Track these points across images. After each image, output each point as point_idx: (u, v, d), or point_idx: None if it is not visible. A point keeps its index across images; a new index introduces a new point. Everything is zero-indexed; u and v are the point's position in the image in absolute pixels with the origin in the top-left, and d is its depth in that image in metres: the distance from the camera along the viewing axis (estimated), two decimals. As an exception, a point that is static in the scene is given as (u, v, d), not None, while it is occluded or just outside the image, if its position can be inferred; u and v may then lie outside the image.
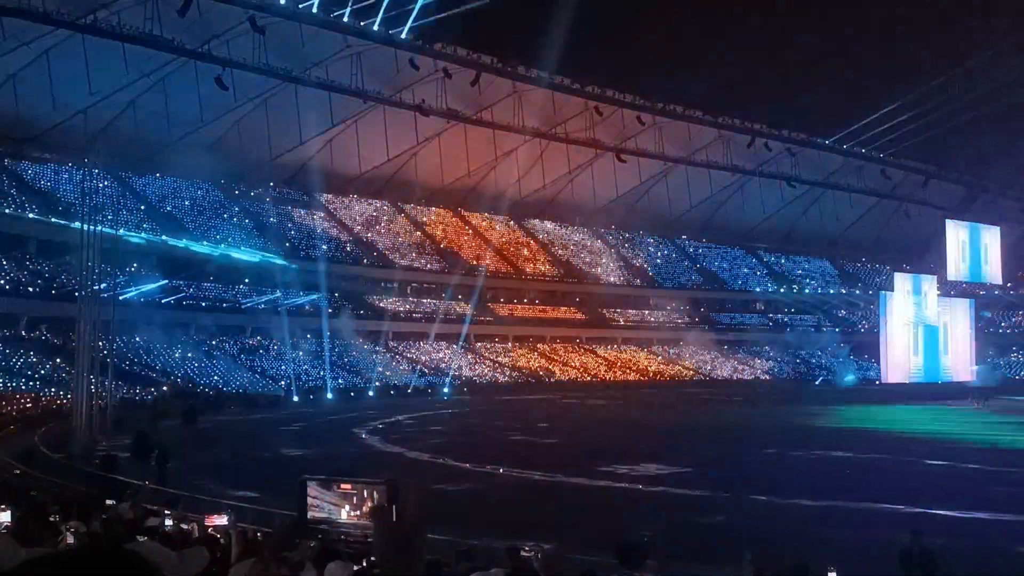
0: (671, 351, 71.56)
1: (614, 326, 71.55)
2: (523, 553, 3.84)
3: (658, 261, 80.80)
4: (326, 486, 1.52)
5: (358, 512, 1.51)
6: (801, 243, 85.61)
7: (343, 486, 1.49)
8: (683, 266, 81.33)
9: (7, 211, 46.44)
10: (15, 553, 2.78)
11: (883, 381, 69.71)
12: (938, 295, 73.39)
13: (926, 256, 79.00)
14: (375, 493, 1.50)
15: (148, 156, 54.91)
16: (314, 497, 1.60)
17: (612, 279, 75.25)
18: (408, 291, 64.43)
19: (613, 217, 78.87)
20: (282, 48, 52.70)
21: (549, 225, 77.85)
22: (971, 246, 78.32)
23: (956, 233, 77.99)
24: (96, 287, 30.20)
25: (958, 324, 73.72)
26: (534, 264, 73.02)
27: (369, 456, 26.32)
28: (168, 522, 9.44)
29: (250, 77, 53.26)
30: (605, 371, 66.71)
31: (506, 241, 73.63)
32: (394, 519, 1.48)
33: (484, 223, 74.17)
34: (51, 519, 9.12)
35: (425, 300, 64.65)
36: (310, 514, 1.69)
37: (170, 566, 2.43)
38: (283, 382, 50.20)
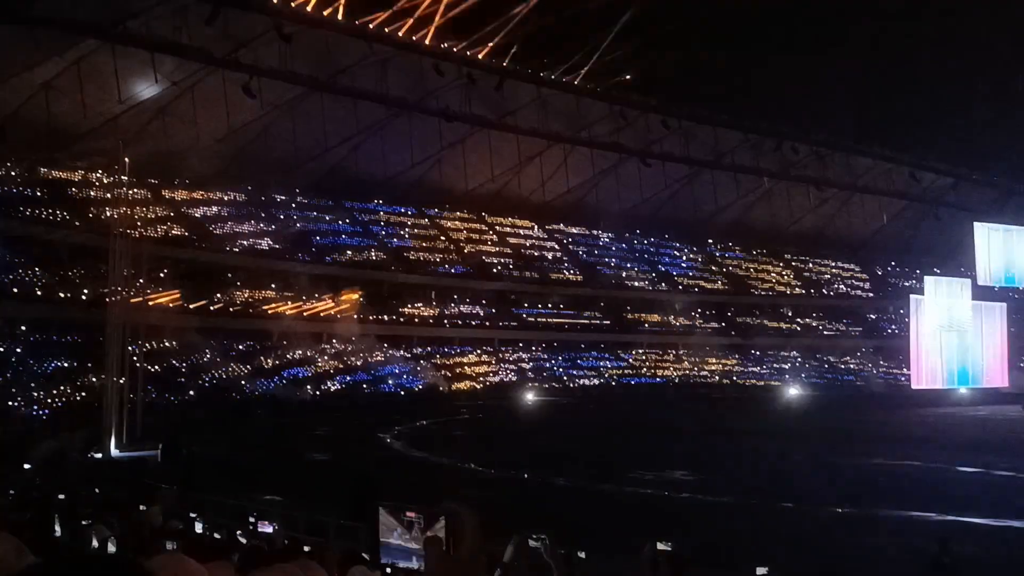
0: (696, 356, 71.10)
1: (639, 331, 71.24)
2: (531, 543, 3.82)
3: (683, 266, 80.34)
4: (393, 512, 1.49)
5: (408, 536, 1.47)
6: (829, 247, 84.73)
7: (408, 513, 1.45)
8: (709, 271, 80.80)
9: (39, 218, 47.16)
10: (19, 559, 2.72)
11: (913, 387, 68.75)
12: (970, 299, 72.30)
13: (957, 259, 77.90)
14: (432, 521, 1.43)
15: (177, 163, 55.51)
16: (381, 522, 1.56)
17: (637, 284, 74.94)
18: (432, 296, 64.62)
19: (638, 221, 78.54)
20: (308, 55, 53.10)
21: (574, 230, 77.71)
22: (1004, 249, 77.09)
23: (987, 236, 76.80)
24: (125, 293, 30.61)
25: (991, 328, 72.57)
26: (558, 269, 72.91)
27: (394, 461, 26.38)
28: (199, 527, 9.51)
29: (277, 85, 53.70)
30: (630, 376, 66.46)
31: (530, 246, 73.61)
32: (451, 551, 1.43)
33: (508, 228, 74.20)
34: (82, 522, 9.24)
35: (450, 305, 64.80)
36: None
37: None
38: (309, 387, 50.56)
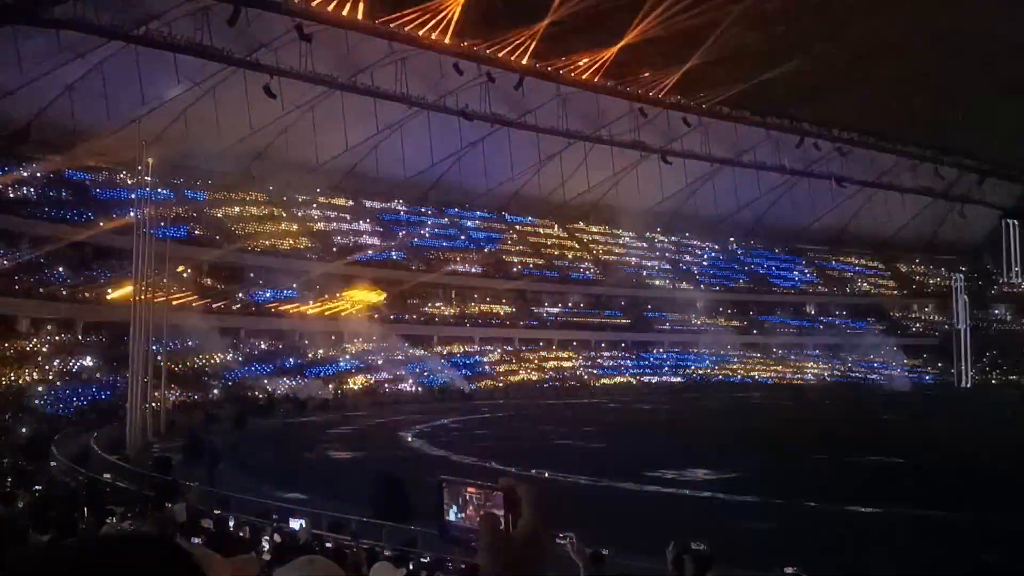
0: (718, 354, 70.67)
1: (659, 330, 70.95)
2: (558, 540, 3.79)
3: (705, 264, 79.94)
4: (456, 488, 1.41)
5: (463, 515, 1.37)
6: (852, 244, 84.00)
7: (469, 489, 1.35)
8: (730, 269, 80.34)
9: (64, 218, 47.62)
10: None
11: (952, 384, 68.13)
12: (995, 296, 71.49)
13: (983, 256, 76.95)
14: (489, 498, 1.32)
15: (199, 164, 55.85)
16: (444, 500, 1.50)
17: (658, 282, 74.62)
18: (452, 295, 64.73)
19: (659, 220, 78.25)
20: (328, 55, 53.30)
21: (594, 228, 77.51)
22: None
23: (1014, 232, 75.83)
24: (149, 292, 30.87)
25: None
26: (579, 267, 72.76)
27: (415, 460, 26.41)
28: (226, 524, 9.56)
29: (297, 85, 53.94)
30: (651, 375, 66.22)
31: (551, 244, 73.51)
32: (508, 530, 1.31)
33: (528, 227, 74.16)
34: (108, 519, 9.30)
35: (470, 304, 64.86)
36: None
37: (224, 571, 2.40)
38: (331, 385, 50.80)
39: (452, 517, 1.45)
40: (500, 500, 1.38)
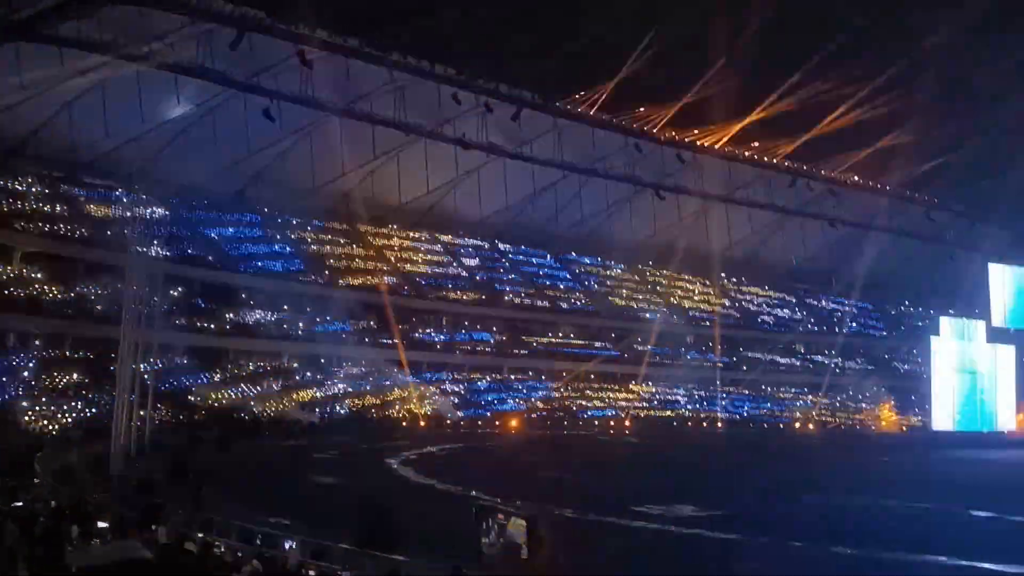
0: (707, 390, 70.71)
1: (649, 363, 70.92)
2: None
3: (695, 299, 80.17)
4: (488, 514, 1.44)
5: (487, 541, 1.39)
6: (843, 284, 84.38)
7: (499, 516, 1.38)
8: (721, 305, 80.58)
9: (57, 234, 47.54)
10: None
11: (930, 428, 68.23)
12: (984, 341, 71.87)
13: (972, 300, 77.35)
14: (509, 526, 1.33)
15: (196, 184, 55.92)
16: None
17: (648, 316, 74.76)
18: (443, 322, 64.67)
19: (651, 254, 78.56)
20: (328, 81, 53.59)
21: (586, 260, 77.78)
22: (1018, 291, 76.59)
23: (1002, 277, 76.35)
24: (139, 311, 30.78)
25: (1004, 371, 71.97)
26: (569, 299, 72.86)
27: (400, 487, 26.29)
28: (216, 546, 9.51)
29: (296, 109, 54.19)
30: (639, 409, 66.11)
31: (543, 274, 73.66)
32: (529, 557, 1.35)
33: (520, 256, 74.35)
34: (92, 540, 9.24)
35: (460, 331, 64.80)
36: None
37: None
38: (317, 409, 50.56)
39: (483, 543, 1.50)
40: (523, 528, 1.42)
